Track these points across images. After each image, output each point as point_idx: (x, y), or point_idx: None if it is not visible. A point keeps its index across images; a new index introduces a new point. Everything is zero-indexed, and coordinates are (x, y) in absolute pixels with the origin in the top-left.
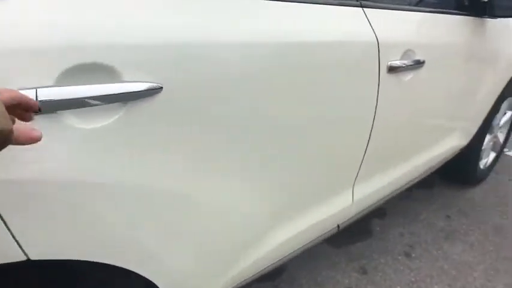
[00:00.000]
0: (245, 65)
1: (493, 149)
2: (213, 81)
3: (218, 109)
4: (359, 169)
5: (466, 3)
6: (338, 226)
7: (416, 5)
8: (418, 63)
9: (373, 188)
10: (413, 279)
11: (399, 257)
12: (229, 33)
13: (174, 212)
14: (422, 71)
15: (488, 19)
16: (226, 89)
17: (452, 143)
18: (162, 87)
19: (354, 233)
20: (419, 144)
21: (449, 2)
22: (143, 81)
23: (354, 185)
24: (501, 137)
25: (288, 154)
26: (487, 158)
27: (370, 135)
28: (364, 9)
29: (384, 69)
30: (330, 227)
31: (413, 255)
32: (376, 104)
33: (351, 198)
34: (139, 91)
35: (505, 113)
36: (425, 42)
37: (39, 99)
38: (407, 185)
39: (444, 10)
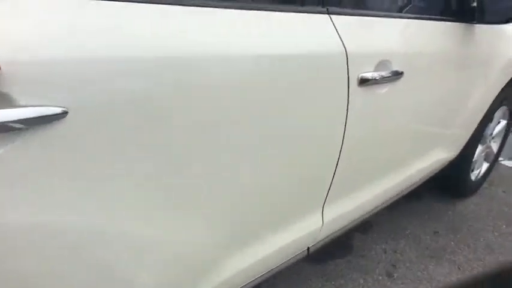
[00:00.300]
0: (176, 80)
1: (486, 160)
2: (133, 101)
3: (145, 130)
4: (329, 189)
5: (453, 8)
6: (308, 249)
7: (393, 11)
8: (396, 75)
9: (346, 208)
10: None
11: (380, 277)
12: (149, 45)
13: (97, 252)
14: (401, 83)
15: (477, 25)
16: (151, 107)
17: (438, 156)
18: (67, 112)
19: (332, 248)
20: (398, 160)
21: (432, 7)
22: (42, 105)
23: (323, 206)
24: (495, 146)
25: (245, 176)
26: (480, 169)
27: (340, 153)
28: (332, 16)
29: (354, 82)
30: (298, 250)
31: (395, 275)
32: (346, 120)
33: (321, 220)
34: (37, 117)
35: (499, 122)
36: (404, 52)
37: None
38: (387, 203)
39: (426, 16)
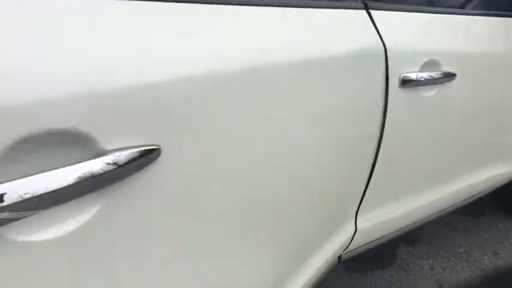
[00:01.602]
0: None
1: None
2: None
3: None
4: (363, 195)
5: None
6: (339, 257)
7: (446, 6)
8: (447, 76)
9: (382, 218)
10: None
11: None
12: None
13: None
14: (452, 85)
15: None
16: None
17: (498, 170)
18: (159, 149)
19: (372, 258)
20: (445, 172)
21: (493, 1)
22: (136, 146)
23: (357, 213)
24: None
25: (281, 180)
26: None
27: (375, 159)
28: (371, 11)
29: (394, 82)
30: (328, 258)
31: None
32: (384, 123)
33: (354, 227)
34: (132, 161)
35: None
36: (457, 51)
37: None
38: (431, 218)
39: (486, 11)
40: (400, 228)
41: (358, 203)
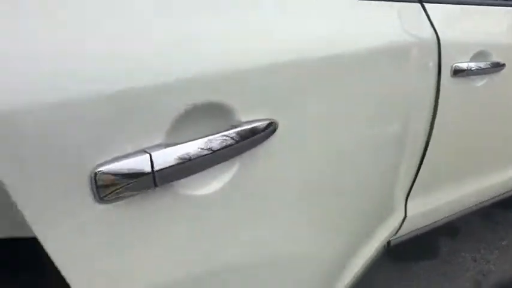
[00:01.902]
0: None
1: None
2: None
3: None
4: (413, 182)
5: None
6: (388, 243)
7: None
8: (496, 66)
9: (431, 205)
10: None
11: (467, 285)
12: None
13: None
14: (501, 75)
15: None
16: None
17: None
18: (277, 124)
19: (416, 250)
20: (492, 161)
21: None
22: (260, 119)
23: (407, 199)
24: None
25: (337, 167)
26: None
27: (426, 145)
28: (425, 4)
29: (447, 72)
30: (380, 243)
31: (484, 286)
32: (435, 111)
33: (404, 212)
34: (259, 133)
35: None
36: (506, 42)
37: (156, 168)
38: (477, 207)
39: None
40: (449, 216)
41: (408, 190)
